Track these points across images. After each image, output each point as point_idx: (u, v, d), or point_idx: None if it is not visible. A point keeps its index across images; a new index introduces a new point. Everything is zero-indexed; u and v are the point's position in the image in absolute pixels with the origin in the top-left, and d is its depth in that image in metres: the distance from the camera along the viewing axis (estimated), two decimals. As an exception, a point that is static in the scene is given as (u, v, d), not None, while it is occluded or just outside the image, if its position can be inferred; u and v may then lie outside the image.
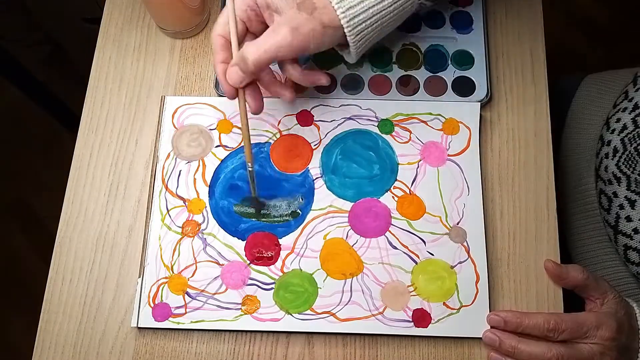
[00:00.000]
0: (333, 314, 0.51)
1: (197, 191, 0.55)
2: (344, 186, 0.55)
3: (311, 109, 0.58)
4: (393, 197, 0.55)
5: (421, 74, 0.60)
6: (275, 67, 0.56)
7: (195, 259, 0.53)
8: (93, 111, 0.59)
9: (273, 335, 0.52)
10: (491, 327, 0.52)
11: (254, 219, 0.54)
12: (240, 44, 0.50)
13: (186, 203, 0.55)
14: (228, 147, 0.57)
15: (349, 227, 0.54)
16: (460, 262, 0.53)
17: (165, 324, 0.51)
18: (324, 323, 0.51)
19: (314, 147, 0.57)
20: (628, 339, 0.51)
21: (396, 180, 0.56)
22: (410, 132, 0.57)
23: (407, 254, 0.53)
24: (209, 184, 0.55)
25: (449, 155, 0.56)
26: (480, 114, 0.57)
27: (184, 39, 0.62)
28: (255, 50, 0.47)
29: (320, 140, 0.57)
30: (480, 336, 0.51)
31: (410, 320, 0.51)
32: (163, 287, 0.52)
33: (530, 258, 0.54)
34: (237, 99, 0.50)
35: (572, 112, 0.75)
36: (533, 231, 0.55)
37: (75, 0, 1.32)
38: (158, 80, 0.60)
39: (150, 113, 0.59)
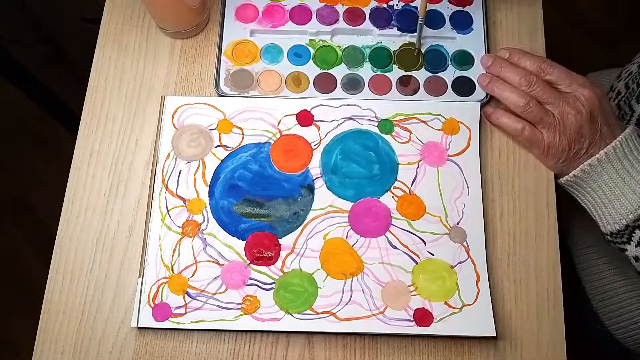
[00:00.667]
0: (333, 314, 0.51)
1: (197, 191, 0.55)
2: (344, 186, 0.55)
3: (311, 109, 0.58)
4: (393, 197, 0.55)
5: (421, 74, 0.60)
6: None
7: (195, 259, 0.53)
8: (93, 111, 0.59)
9: (273, 335, 0.52)
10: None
11: (254, 219, 0.54)
12: None
13: (186, 203, 0.55)
14: (228, 147, 0.57)
15: (349, 227, 0.54)
16: (460, 262, 0.53)
17: (165, 324, 0.51)
18: (324, 323, 0.51)
19: (314, 147, 0.57)
20: (605, 124, 0.53)
21: (396, 180, 0.56)
22: (410, 132, 0.57)
23: (407, 253, 0.53)
24: (209, 184, 0.55)
25: (449, 155, 0.56)
26: (480, 114, 0.57)
27: (184, 39, 0.62)
28: None
29: (320, 140, 0.57)
30: (485, 334, 0.51)
31: (412, 319, 0.51)
32: (163, 287, 0.52)
33: (530, 258, 0.54)
34: None
35: None
36: (533, 231, 0.55)
37: (75, 0, 1.32)
38: (158, 80, 0.60)
39: (150, 113, 0.59)
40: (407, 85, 0.59)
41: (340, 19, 0.61)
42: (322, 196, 0.55)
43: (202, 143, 0.57)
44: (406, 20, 0.61)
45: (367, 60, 0.60)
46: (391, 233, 0.54)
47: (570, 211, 0.71)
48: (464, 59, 0.60)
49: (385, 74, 0.60)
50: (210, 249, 0.53)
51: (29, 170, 1.35)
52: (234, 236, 0.54)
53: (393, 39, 0.61)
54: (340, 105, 0.58)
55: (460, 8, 0.62)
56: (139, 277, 0.53)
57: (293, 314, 0.51)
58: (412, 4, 0.62)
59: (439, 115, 0.57)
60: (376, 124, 0.57)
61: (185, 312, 0.52)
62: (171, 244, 0.54)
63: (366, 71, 0.60)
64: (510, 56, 0.58)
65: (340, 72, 0.60)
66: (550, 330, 0.52)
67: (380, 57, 0.60)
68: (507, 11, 0.63)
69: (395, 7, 0.62)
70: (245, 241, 0.54)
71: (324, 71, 0.60)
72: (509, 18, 0.63)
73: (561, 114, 0.53)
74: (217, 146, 0.57)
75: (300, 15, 0.61)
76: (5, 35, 1.24)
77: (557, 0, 1.43)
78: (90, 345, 0.52)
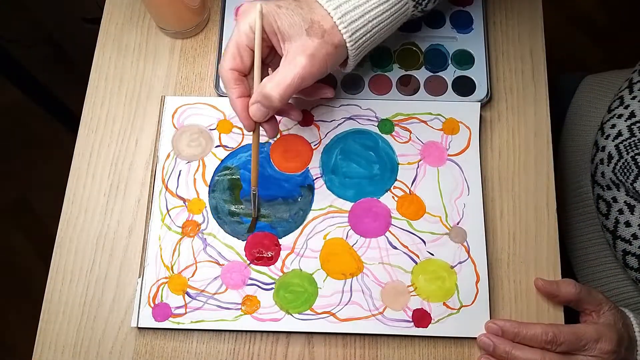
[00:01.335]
0: (333, 314, 0.51)
1: (197, 191, 0.55)
2: (344, 186, 0.55)
3: (311, 109, 0.58)
4: (393, 197, 0.55)
5: (421, 74, 0.60)
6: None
7: (195, 259, 0.53)
8: (93, 111, 0.59)
9: (273, 335, 0.52)
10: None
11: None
12: (249, 73, 0.49)
13: (186, 203, 0.55)
14: (228, 147, 0.57)
15: (349, 227, 0.54)
16: (460, 262, 0.53)
17: (165, 324, 0.51)
18: (324, 323, 0.51)
19: (314, 147, 0.57)
20: (627, 350, 0.51)
21: (396, 180, 0.56)
22: (410, 132, 0.57)
23: (407, 254, 0.53)
24: (209, 184, 0.55)
25: (449, 155, 0.56)
26: (480, 114, 0.57)
27: (184, 39, 0.62)
28: (277, 85, 0.46)
29: (320, 140, 0.57)
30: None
31: (410, 320, 0.51)
32: (163, 287, 0.52)
33: (530, 258, 0.54)
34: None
35: (570, 115, 0.75)
36: (533, 231, 0.55)
37: (75, 0, 1.32)
38: (158, 80, 0.60)
39: (150, 113, 0.59)
40: (407, 85, 0.59)
41: (340, 19, 0.61)
42: (322, 196, 0.55)
43: (202, 143, 0.57)
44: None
45: (367, 60, 0.60)
46: (391, 233, 0.54)
47: (569, 214, 0.71)
48: (464, 59, 0.60)
49: (385, 73, 0.60)
50: (210, 249, 0.53)
51: (29, 170, 1.35)
52: (234, 236, 0.54)
53: (393, 39, 0.61)
54: (340, 105, 0.58)
55: (461, 8, 0.62)
56: (139, 277, 0.53)
57: (293, 314, 0.51)
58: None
59: (439, 115, 0.57)
60: (376, 123, 0.57)
61: (185, 312, 0.52)
62: (171, 244, 0.54)
63: (366, 71, 0.60)
64: (506, 333, 0.51)
65: (340, 72, 0.60)
66: (550, 330, 0.52)
67: (380, 57, 0.60)
68: (507, 11, 0.63)
69: (395, 7, 0.62)
70: (245, 241, 0.54)
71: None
72: (509, 18, 0.63)
73: None
74: (217, 146, 0.57)
75: (300, 15, 0.61)
76: (5, 35, 1.24)
77: (557, 1, 1.43)
78: (90, 345, 0.52)
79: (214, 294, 0.52)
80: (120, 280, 0.54)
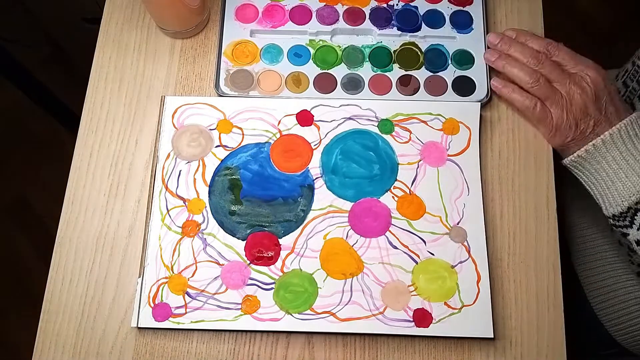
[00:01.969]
0: (333, 314, 0.51)
1: (197, 191, 0.55)
2: (344, 186, 0.55)
3: (311, 109, 0.58)
4: (393, 197, 0.55)
5: (421, 74, 0.60)
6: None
7: (195, 259, 0.53)
8: (93, 111, 0.59)
9: (273, 335, 0.52)
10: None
11: (254, 219, 0.54)
12: None
13: (186, 203, 0.55)
14: (228, 147, 0.57)
15: (349, 227, 0.54)
16: (461, 262, 0.53)
17: (165, 324, 0.51)
18: (324, 323, 0.51)
19: (314, 147, 0.57)
20: (609, 97, 0.53)
21: (396, 180, 0.56)
22: (410, 132, 0.57)
23: (407, 253, 0.53)
24: (209, 184, 0.55)
25: (449, 155, 0.56)
26: (480, 114, 0.57)
27: (184, 39, 0.62)
28: None
29: (320, 140, 0.57)
30: (482, 336, 0.51)
31: (411, 320, 0.51)
32: (163, 287, 0.52)
33: (530, 258, 0.54)
34: None
35: None
36: (533, 231, 0.55)
37: (75, 0, 1.32)
38: (158, 80, 0.60)
39: (150, 113, 0.59)
40: (407, 85, 0.59)
41: (340, 18, 0.61)
42: (322, 196, 0.55)
43: (202, 143, 0.57)
44: (406, 20, 0.61)
45: (367, 60, 0.60)
46: (391, 233, 0.54)
47: (570, 210, 0.71)
48: (464, 59, 0.60)
49: (385, 73, 0.60)
50: (210, 249, 0.53)
51: (29, 170, 1.35)
52: (233, 236, 0.54)
53: (393, 39, 0.61)
54: (340, 105, 0.58)
55: (460, 8, 0.62)
56: (139, 277, 0.53)
57: (293, 314, 0.51)
58: (412, 4, 0.62)
59: (439, 115, 0.57)
60: (376, 124, 0.57)
61: (185, 312, 0.52)
62: (171, 244, 0.54)
63: (366, 71, 0.60)
64: (517, 36, 0.59)
65: (340, 72, 0.60)
66: (550, 330, 0.52)
67: (380, 57, 0.60)
68: (507, 11, 0.63)
69: (395, 7, 0.62)
70: (245, 241, 0.54)
71: (324, 71, 0.60)
72: (509, 18, 0.63)
73: (568, 92, 0.54)
74: (217, 146, 0.57)
75: (300, 15, 0.61)
76: (5, 35, 1.24)
77: (557, 0, 1.43)
78: (90, 345, 0.52)
79: (214, 294, 0.52)
80: (120, 280, 0.54)
